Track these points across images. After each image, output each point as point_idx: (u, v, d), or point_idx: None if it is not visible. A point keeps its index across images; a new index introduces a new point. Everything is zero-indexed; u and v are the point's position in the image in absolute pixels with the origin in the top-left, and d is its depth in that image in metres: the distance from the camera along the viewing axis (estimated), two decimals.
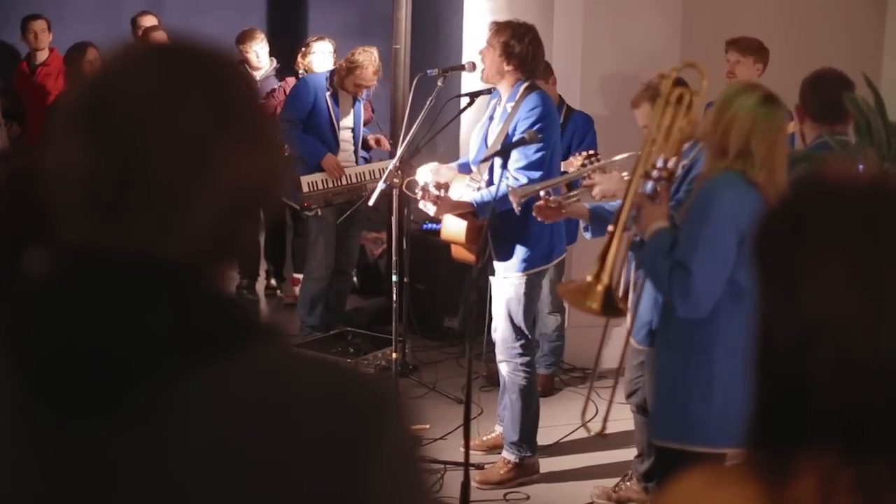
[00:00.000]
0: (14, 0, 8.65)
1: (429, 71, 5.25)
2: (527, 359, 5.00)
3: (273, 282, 8.11)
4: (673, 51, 6.47)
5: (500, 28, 4.82)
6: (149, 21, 8.26)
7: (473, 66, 4.92)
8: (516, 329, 4.94)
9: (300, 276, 7.65)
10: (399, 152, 5.27)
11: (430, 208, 4.90)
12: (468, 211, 4.86)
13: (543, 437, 5.24)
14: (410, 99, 5.30)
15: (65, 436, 1.07)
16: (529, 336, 5.05)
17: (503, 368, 5.03)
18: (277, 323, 1.15)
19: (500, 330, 4.98)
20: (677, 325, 3.38)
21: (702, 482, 1.19)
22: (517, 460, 5.07)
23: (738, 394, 3.26)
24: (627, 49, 6.36)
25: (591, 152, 5.26)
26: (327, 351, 5.96)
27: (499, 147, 4.71)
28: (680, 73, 3.65)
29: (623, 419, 4.98)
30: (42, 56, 7.98)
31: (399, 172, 5.23)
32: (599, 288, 3.45)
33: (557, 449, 5.42)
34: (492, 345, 5.14)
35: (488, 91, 5.03)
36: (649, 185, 3.46)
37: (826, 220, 1.16)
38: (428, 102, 5.03)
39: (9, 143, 6.96)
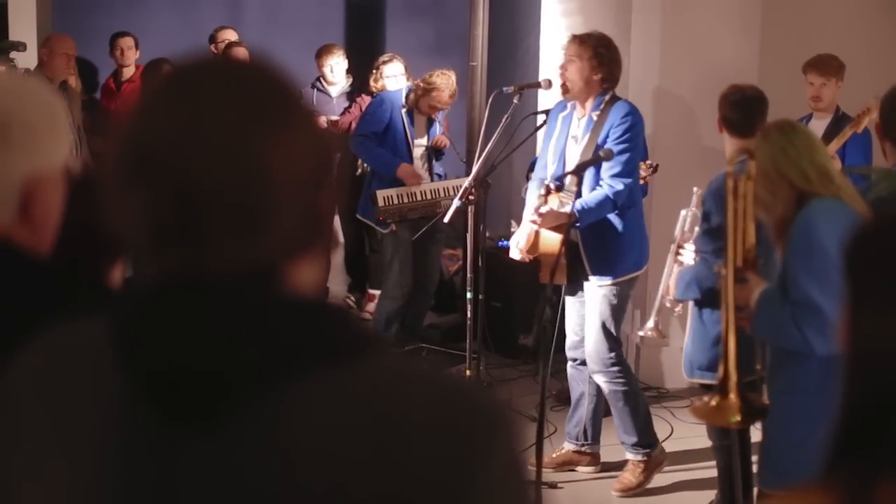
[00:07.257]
0: (99, 14, 8.84)
1: (504, 88, 5.25)
2: (621, 365, 4.97)
3: (351, 297, 8.16)
4: (752, 65, 6.39)
5: (584, 39, 4.83)
6: (228, 35, 8.38)
7: (549, 84, 4.91)
8: (609, 338, 4.91)
9: (375, 293, 7.69)
10: (475, 169, 5.27)
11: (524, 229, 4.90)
12: (563, 223, 4.73)
13: (615, 456, 5.22)
14: (486, 116, 5.30)
15: (162, 443, 1.09)
16: (620, 344, 5.02)
17: (599, 379, 5.00)
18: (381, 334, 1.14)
19: (592, 342, 4.95)
20: (808, 366, 3.19)
21: None
22: (645, 458, 5.07)
23: None
24: (706, 64, 6.29)
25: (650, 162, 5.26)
26: None
27: (589, 158, 4.71)
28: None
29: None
30: (128, 72, 8.15)
31: (474, 190, 5.23)
32: (732, 398, 3.19)
33: None
34: (564, 361, 5.11)
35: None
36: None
37: None
38: (503, 120, 5.03)
39: (92, 158, 7.09)
